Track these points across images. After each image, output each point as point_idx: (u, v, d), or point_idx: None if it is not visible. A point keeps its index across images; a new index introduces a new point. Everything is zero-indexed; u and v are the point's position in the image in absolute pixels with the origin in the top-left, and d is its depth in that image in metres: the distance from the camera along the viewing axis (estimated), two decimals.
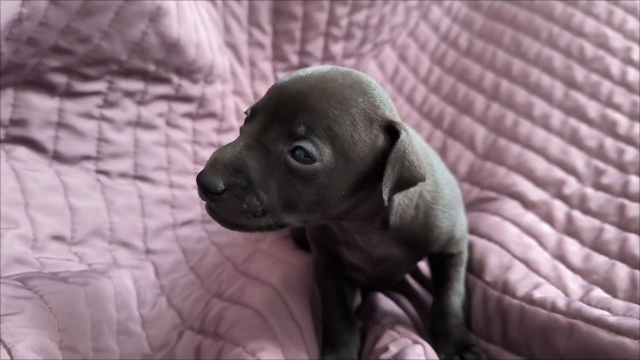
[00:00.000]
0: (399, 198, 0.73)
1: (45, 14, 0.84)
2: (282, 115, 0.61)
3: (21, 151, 0.91)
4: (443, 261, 0.94)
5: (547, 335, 0.81)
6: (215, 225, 1.16)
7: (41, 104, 0.94)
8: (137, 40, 1.01)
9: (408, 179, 0.66)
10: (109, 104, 1.03)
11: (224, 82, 1.26)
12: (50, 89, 0.95)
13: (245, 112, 0.67)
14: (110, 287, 0.82)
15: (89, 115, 1.01)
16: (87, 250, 0.92)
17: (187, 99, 1.16)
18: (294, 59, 1.45)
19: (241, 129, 0.66)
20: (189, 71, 1.14)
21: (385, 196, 0.63)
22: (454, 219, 0.85)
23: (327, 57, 1.49)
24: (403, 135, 0.63)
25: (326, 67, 0.66)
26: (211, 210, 0.64)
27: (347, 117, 0.62)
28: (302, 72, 0.65)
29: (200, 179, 0.59)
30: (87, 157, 1.00)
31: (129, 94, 1.06)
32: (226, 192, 0.59)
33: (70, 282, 0.76)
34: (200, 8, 1.22)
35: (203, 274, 1.03)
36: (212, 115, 1.23)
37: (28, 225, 0.84)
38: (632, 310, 0.80)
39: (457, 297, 0.92)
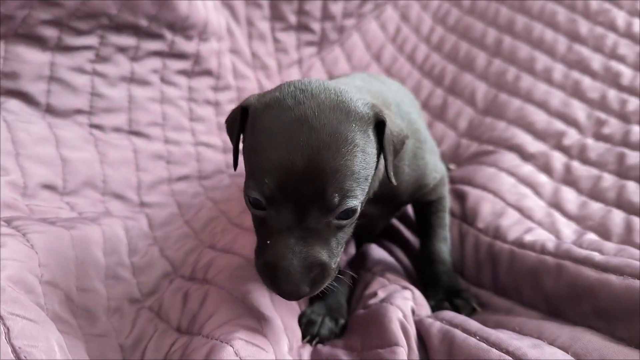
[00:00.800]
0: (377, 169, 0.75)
1: None
2: (311, 197, 0.61)
3: (13, 103, 0.92)
4: (424, 209, 0.95)
5: (536, 277, 0.80)
6: (211, 181, 1.17)
7: (33, 57, 0.94)
8: None
9: (399, 147, 0.72)
10: (101, 58, 1.04)
11: (220, 40, 1.25)
12: (41, 43, 0.95)
13: (255, 200, 0.64)
14: (98, 232, 0.83)
15: (81, 70, 1.01)
16: (78, 200, 0.93)
17: (181, 55, 1.16)
18: (292, 18, 1.44)
19: (265, 219, 0.65)
20: (182, 27, 1.13)
21: (392, 179, 0.69)
22: (421, 169, 0.87)
23: (326, 16, 1.48)
24: (388, 122, 0.67)
25: (304, 117, 0.63)
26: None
27: (357, 149, 0.63)
28: (290, 143, 0.61)
29: (288, 297, 0.63)
30: (80, 111, 1.01)
31: (122, 50, 1.06)
32: (314, 285, 0.64)
33: (57, 225, 0.77)
34: None
35: (197, 227, 1.04)
36: (207, 72, 1.23)
37: (18, 173, 0.86)
38: (623, 251, 0.79)
39: (442, 243, 0.92)
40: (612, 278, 0.70)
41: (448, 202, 0.97)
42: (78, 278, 0.74)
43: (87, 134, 1.01)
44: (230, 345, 0.64)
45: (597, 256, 0.75)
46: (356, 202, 0.63)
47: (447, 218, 0.96)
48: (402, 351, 0.70)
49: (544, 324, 0.73)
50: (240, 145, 0.73)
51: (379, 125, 0.68)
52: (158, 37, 1.11)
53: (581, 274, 0.74)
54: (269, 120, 0.64)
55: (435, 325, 0.75)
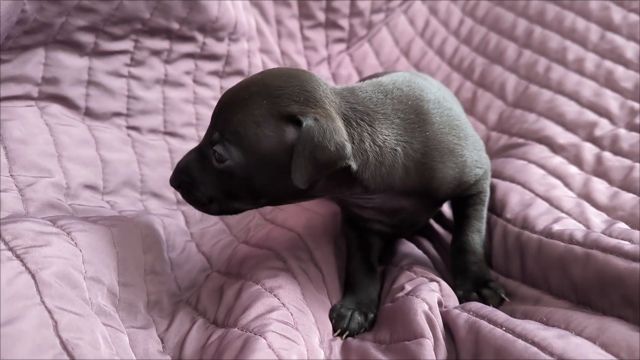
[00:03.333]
0: (369, 171, 0.78)
1: None
2: (210, 126, 0.77)
3: (54, 108, 0.97)
4: (462, 201, 0.95)
5: (564, 267, 0.80)
6: None
7: (71, 63, 0.99)
8: None
9: (325, 161, 0.72)
10: (136, 62, 1.08)
11: (250, 40, 1.28)
12: (79, 48, 1.00)
13: None
14: (138, 230, 0.87)
15: (117, 74, 1.06)
16: (118, 199, 0.97)
17: (212, 57, 1.20)
18: (321, 16, 1.46)
19: None
20: (212, 29, 1.17)
21: (296, 181, 0.71)
22: (459, 166, 0.87)
23: (354, 12, 1.50)
24: (306, 124, 0.70)
25: (259, 75, 0.79)
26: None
27: (250, 119, 0.72)
28: (236, 85, 0.79)
29: (170, 179, 0.81)
30: (117, 114, 1.06)
31: (155, 53, 1.10)
32: (180, 188, 0.80)
33: (99, 223, 0.81)
34: None
35: (232, 223, 1.07)
36: (239, 72, 1.26)
37: (61, 175, 0.90)
38: None
39: (475, 234, 0.93)
40: (638, 265, 0.70)
41: (488, 195, 0.97)
42: (120, 273, 0.77)
43: (125, 135, 1.05)
44: (264, 338, 0.67)
45: (626, 245, 0.75)
46: (223, 152, 0.73)
47: (484, 211, 0.96)
48: (428, 343, 0.71)
49: (571, 314, 0.73)
50: None
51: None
52: (190, 39, 1.15)
53: (610, 262, 0.74)
54: None
55: (462, 317, 0.76)
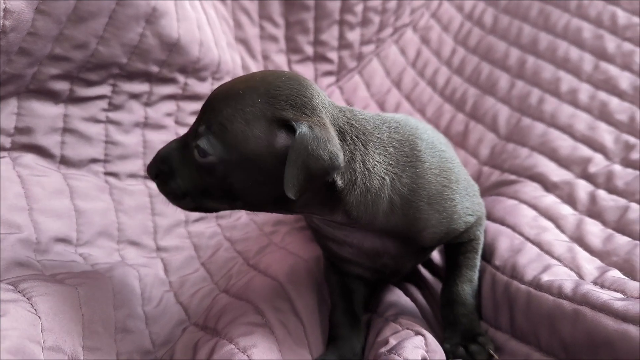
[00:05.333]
0: (354, 194, 0.74)
1: (32, 24, 0.86)
2: (198, 118, 0.74)
3: (28, 158, 0.95)
4: (454, 248, 0.92)
5: (553, 323, 0.76)
6: (229, 220, 1.17)
7: (45, 111, 0.97)
8: (136, 43, 1.02)
9: (318, 171, 0.67)
10: (114, 106, 1.06)
11: (234, 77, 1.26)
12: (53, 96, 0.97)
13: None
14: (108, 286, 0.84)
15: (94, 119, 1.03)
16: (93, 250, 0.94)
17: (195, 97, 1.18)
18: (309, 50, 1.44)
19: None
20: (194, 70, 1.15)
21: (287, 191, 0.66)
22: (447, 210, 0.83)
23: (344, 45, 1.47)
24: (300, 131, 0.66)
25: (259, 72, 0.76)
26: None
27: (240, 115, 0.68)
28: (234, 78, 0.77)
29: (147, 167, 0.77)
30: (95, 160, 1.03)
31: (135, 96, 1.08)
32: (158, 178, 0.76)
33: (65, 283, 0.79)
34: (205, 6, 1.23)
35: (214, 270, 1.04)
36: None
37: (31, 229, 0.88)
38: None
39: (466, 284, 0.89)
40: (631, 329, 0.66)
41: (481, 243, 0.93)
42: (85, 337, 0.74)
43: (103, 182, 1.03)
44: None
45: (615, 303, 0.70)
46: (207, 147, 0.69)
47: (477, 259, 0.92)
48: None
49: None
50: None
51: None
52: (170, 81, 1.12)
53: (599, 323, 0.70)
54: None
55: None
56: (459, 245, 0.91)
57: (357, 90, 1.51)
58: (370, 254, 0.86)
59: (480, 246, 0.93)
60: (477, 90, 1.43)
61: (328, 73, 1.48)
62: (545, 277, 0.82)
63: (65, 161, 1.00)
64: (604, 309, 0.71)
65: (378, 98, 1.51)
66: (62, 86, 0.98)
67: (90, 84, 1.01)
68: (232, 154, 0.69)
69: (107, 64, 1.01)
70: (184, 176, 0.74)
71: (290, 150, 0.66)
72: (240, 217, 1.18)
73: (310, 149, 0.66)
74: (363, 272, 0.91)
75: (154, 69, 1.08)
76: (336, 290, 0.92)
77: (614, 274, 0.84)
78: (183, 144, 0.74)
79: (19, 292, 0.71)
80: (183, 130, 1.16)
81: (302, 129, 0.66)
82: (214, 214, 1.16)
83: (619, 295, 0.75)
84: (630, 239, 0.92)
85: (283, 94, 0.69)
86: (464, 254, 0.91)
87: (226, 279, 1.01)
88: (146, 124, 1.10)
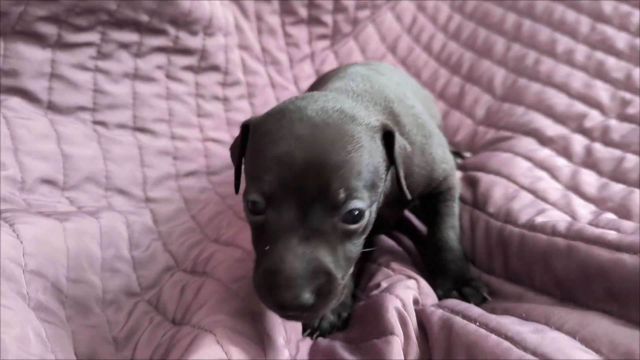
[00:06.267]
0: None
1: None
2: (314, 193, 0.57)
3: (14, 101, 0.93)
4: (433, 199, 0.91)
5: (547, 261, 0.75)
6: (220, 177, 1.16)
7: (32, 55, 0.95)
8: None
9: (406, 162, 0.70)
10: (103, 55, 1.04)
11: (227, 35, 1.24)
12: (40, 40, 0.96)
13: (254, 204, 0.60)
14: (95, 226, 0.83)
15: (83, 67, 1.01)
16: (80, 195, 0.93)
17: (186, 51, 1.16)
18: (303, 12, 1.42)
19: (264, 224, 0.60)
20: (185, 22, 1.13)
21: (407, 193, 0.68)
22: (429, 164, 0.84)
23: (339, 8, 1.46)
24: (397, 135, 0.66)
25: (306, 117, 0.62)
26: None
27: (363, 150, 0.61)
28: (291, 137, 0.59)
29: (287, 304, 0.55)
30: (83, 108, 1.01)
31: (124, 46, 1.06)
32: (315, 298, 0.56)
33: (51, 217, 0.77)
34: None
35: (203, 222, 1.02)
36: (215, 68, 1.22)
37: (17, 168, 0.86)
38: None
39: (450, 231, 0.88)
40: (625, 257, 0.65)
41: (458, 191, 0.93)
42: (69, 269, 0.73)
43: (91, 130, 1.01)
44: (213, 333, 0.62)
45: (610, 234, 0.69)
46: (363, 204, 0.59)
47: (456, 207, 0.92)
48: (396, 340, 0.66)
49: (552, 310, 0.67)
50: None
51: (387, 138, 0.66)
52: (161, 32, 1.10)
53: (593, 254, 0.68)
54: (270, 125, 0.62)
55: (437, 314, 0.70)
56: (437, 195, 0.90)
57: (351, 55, 1.49)
58: None
59: (457, 194, 0.93)
60: (473, 54, 1.42)
61: (322, 36, 1.47)
62: (539, 219, 0.81)
63: (52, 107, 0.98)
64: (598, 241, 0.69)
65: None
66: (49, 30, 0.96)
67: (78, 29, 0.99)
68: (374, 191, 0.62)
69: (95, 9, 0.99)
70: (341, 266, 0.60)
71: (396, 155, 0.65)
72: (232, 174, 1.16)
73: (401, 145, 0.68)
74: None
75: (144, 18, 1.06)
76: None
77: (609, 216, 0.83)
78: (316, 236, 0.58)
79: (1, 219, 0.69)
80: (174, 84, 1.15)
81: (396, 134, 0.66)
82: (205, 170, 1.14)
83: (614, 232, 0.73)
84: (625, 186, 0.91)
85: (357, 108, 0.68)
86: (443, 202, 0.91)
87: (216, 230, 0.99)
88: (136, 75, 1.08)
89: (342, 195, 0.57)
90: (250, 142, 0.66)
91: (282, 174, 0.57)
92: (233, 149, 0.73)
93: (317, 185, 0.57)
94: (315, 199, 0.57)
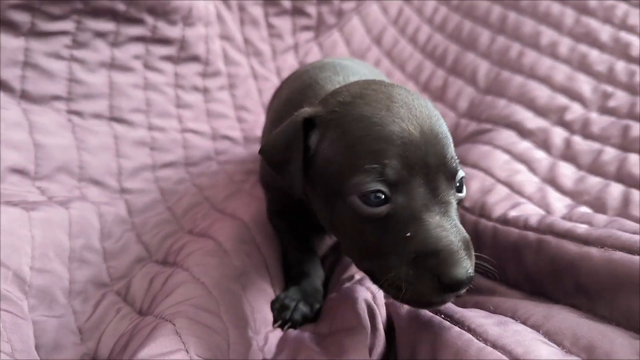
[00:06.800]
0: None
1: None
2: (436, 165, 0.56)
3: None
4: None
5: (518, 255, 0.74)
6: (199, 168, 1.15)
7: (5, 43, 0.94)
8: None
9: None
10: (78, 44, 1.02)
11: (208, 25, 1.23)
12: (13, 27, 0.94)
13: (375, 195, 0.55)
14: (64, 215, 0.82)
15: (57, 56, 1.00)
16: (51, 185, 0.91)
17: (165, 41, 1.14)
18: (287, 3, 1.41)
19: (385, 212, 0.56)
20: (163, 12, 1.11)
21: None
22: None
23: (323, 0, 1.44)
24: None
25: (395, 96, 0.60)
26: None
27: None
28: (395, 116, 0.57)
29: (463, 282, 0.52)
30: (57, 97, 1.00)
31: (100, 35, 1.05)
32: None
33: (18, 206, 0.76)
34: None
35: (179, 213, 1.01)
36: (195, 58, 1.21)
37: None
38: (614, 222, 0.74)
39: None
40: (593, 251, 0.64)
41: None
42: (34, 258, 0.72)
43: (65, 120, 1.00)
44: (173, 323, 0.61)
45: (579, 228, 0.69)
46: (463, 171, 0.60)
47: None
48: (363, 332, 0.66)
49: (520, 303, 0.67)
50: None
51: None
52: (138, 22, 1.09)
53: (562, 248, 0.68)
54: (360, 109, 0.59)
55: (405, 307, 0.70)
56: None
57: (336, 47, 1.48)
58: None
59: None
60: (458, 46, 1.41)
61: (306, 28, 1.45)
62: (513, 213, 0.81)
63: (25, 96, 0.97)
64: (567, 235, 0.69)
65: (358, 55, 1.49)
66: (22, 17, 0.95)
67: (52, 18, 0.98)
68: None
69: None
70: None
71: None
72: (211, 166, 1.15)
73: None
74: None
75: (120, 7, 1.05)
76: (288, 232, 0.90)
77: (582, 209, 0.83)
78: (442, 208, 0.56)
79: None
80: (152, 75, 1.14)
81: None
82: (184, 161, 1.13)
83: (584, 226, 0.73)
84: (602, 179, 0.90)
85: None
86: None
87: (192, 221, 0.99)
88: (113, 65, 1.07)
89: (454, 163, 0.57)
90: (329, 134, 0.60)
91: (405, 152, 0.55)
92: (282, 148, 0.63)
93: (437, 157, 0.56)
94: (437, 171, 0.56)
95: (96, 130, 1.02)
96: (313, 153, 0.62)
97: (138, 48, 1.11)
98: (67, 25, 1.00)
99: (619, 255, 0.61)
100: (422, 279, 0.53)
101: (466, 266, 0.52)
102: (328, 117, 0.61)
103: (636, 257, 0.60)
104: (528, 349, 0.53)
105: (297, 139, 0.61)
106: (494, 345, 0.55)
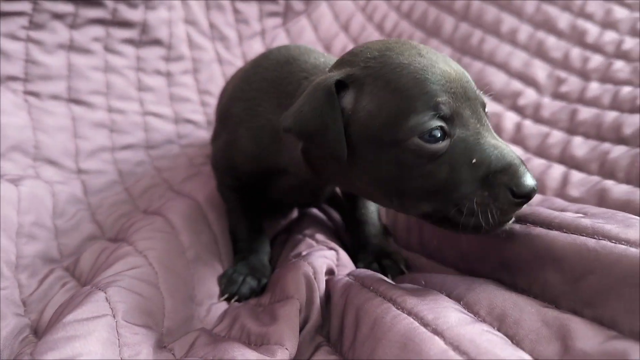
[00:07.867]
0: None
1: None
2: (474, 97, 0.61)
3: None
4: None
5: (454, 237, 0.76)
6: (159, 151, 1.16)
7: None
8: None
9: None
10: (35, 25, 1.03)
11: (171, 9, 1.24)
12: None
13: (436, 132, 0.58)
14: (13, 192, 0.83)
15: (13, 36, 1.01)
16: (5, 164, 0.92)
17: (125, 24, 1.15)
18: None
19: (446, 147, 0.59)
20: None
21: None
22: None
23: None
24: None
25: (418, 46, 0.63)
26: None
27: None
28: (431, 61, 0.61)
29: (534, 182, 0.57)
30: (13, 78, 1.01)
31: (58, 16, 1.06)
32: None
33: None
34: None
35: (136, 194, 1.03)
36: (157, 42, 1.22)
37: None
38: (546, 201, 0.76)
39: (371, 205, 0.89)
40: (516, 227, 0.66)
41: None
42: None
43: (21, 100, 1.01)
44: (104, 291, 0.63)
45: None
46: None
47: None
48: (295, 303, 0.67)
49: (448, 277, 0.69)
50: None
51: None
52: (97, 4, 1.10)
53: None
54: (395, 60, 0.61)
55: (342, 281, 0.71)
56: None
57: (303, 33, 1.49)
58: (305, 191, 0.87)
59: None
60: (422, 33, 1.43)
61: (274, 14, 1.47)
62: None
63: None
64: None
65: (326, 43, 1.50)
66: None
67: None
68: None
69: None
70: None
71: None
72: (172, 149, 1.17)
73: None
74: (288, 200, 0.93)
75: None
76: (237, 208, 0.91)
77: None
78: (488, 130, 0.61)
79: None
80: (113, 57, 1.15)
81: None
82: (144, 143, 1.14)
83: None
84: (545, 161, 0.92)
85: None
86: None
87: (148, 201, 1.00)
88: (71, 47, 1.08)
89: (482, 95, 0.64)
90: (369, 88, 0.62)
91: (450, 89, 0.59)
92: (315, 117, 0.63)
93: (473, 91, 0.61)
94: (476, 102, 0.61)
95: (53, 111, 1.03)
96: (349, 114, 0.63)
97: (98, 30, 1.12)
98: (23, 6, 1.01)
99: (538, 230, 0.63)
100: (499, 195, 0.57)
101: (532, 175, 0.57)
102: (363, 75, 0.62)
103: (553, 232, 0.62)
104: (438, 314, 0.55)
105: (331, 104, 0.62)
106: (409, 313, 0.57)
